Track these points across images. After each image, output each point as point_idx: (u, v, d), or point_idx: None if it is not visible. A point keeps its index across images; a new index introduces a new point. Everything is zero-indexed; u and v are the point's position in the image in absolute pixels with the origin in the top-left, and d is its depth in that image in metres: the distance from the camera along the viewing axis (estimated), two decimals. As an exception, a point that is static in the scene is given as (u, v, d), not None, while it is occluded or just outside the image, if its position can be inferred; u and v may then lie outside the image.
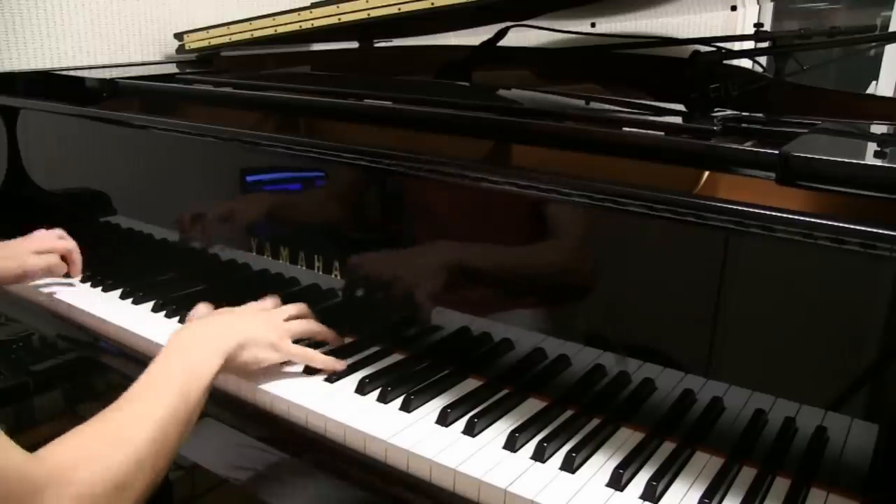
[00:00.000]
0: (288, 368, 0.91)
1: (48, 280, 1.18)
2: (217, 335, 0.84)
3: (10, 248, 1.12)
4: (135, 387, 0.74)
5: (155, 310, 1.08)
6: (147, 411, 0.72)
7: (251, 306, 0.96)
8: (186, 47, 1.61)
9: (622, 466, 0.71)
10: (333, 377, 0.88)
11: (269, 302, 0.97)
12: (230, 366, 0.83)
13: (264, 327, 0.88)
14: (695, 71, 1.12)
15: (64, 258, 1.16)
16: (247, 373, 0.87)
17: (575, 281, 0.83)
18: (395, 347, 0.96)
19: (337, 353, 0.95)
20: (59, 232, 1.18)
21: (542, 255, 0.84)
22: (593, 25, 1.64)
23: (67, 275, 1.18)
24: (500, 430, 0.78)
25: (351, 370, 0.90)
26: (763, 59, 1.38)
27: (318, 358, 0.90)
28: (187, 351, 0.80)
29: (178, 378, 0.76)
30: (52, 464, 0.63)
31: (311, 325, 0.94)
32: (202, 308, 0.97)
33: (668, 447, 0.75)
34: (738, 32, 1.68)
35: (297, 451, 0.82)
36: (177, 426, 0.73)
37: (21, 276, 1.12)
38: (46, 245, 1.14)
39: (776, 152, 0.67)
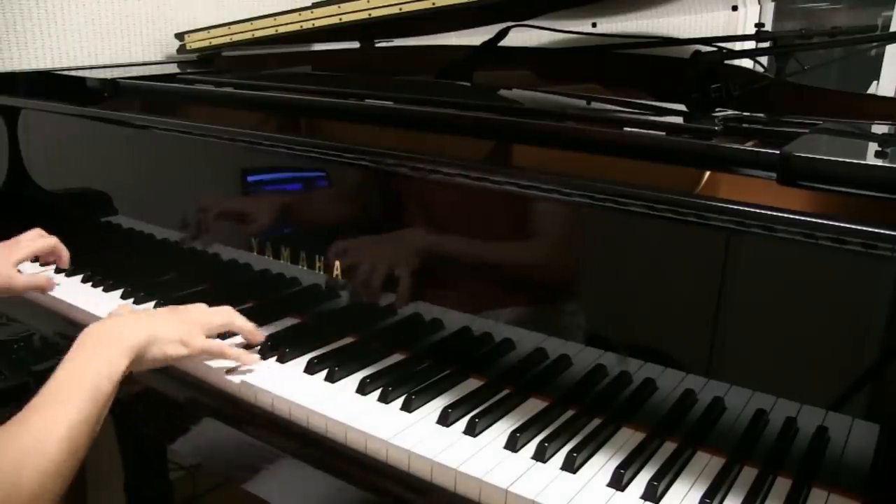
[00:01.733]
0: (288, 368, 0.91)
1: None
2: (124, 332, 0.82)
3: None
4: (43, 392, 0.73)
5: (156, 310, 1.08)
6: (56, 421, 0.70)
7: (168, 308, 0.94)
8: (187, 47, 1.61)
9: (623, 466, 0.71)
10: (335, 376, 0.88)
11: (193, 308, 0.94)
12: (139, 362, 0.82)
13: (174, 323, 0.87)
14: (696, 71, 1.12)
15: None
16: (159, 366, 0.86)
17: (576, 281, 0.83)
18: (396, 347, 0.96)
19: (342, 354, 0.95)
20: (38, 231, 1.17)
21: (544, 255, 0.84)
22: (594, 25, 1.64)
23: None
24: (501, 430, 0.78)
25: (352, 370, 0.90)
26: (764, 59, 1.38)
27: (230, 352, 0.89)
28: (95, 351, 0.79)
29: (86, 382, 0.75)
30: None
31: (228, 318, 0.93)
32: (119, 308, 0.96)
33: (669, 447, 0.76)
34: (739, 32, 1.68)
35: (297, 451, 0.82)
36: (87, 430, 0.72)
37: (5, 292, 1.10)
38: (28, 252, 1.13)
39: (777, 152, 0.67)
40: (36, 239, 1.16)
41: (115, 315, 0.90)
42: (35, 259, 1.22)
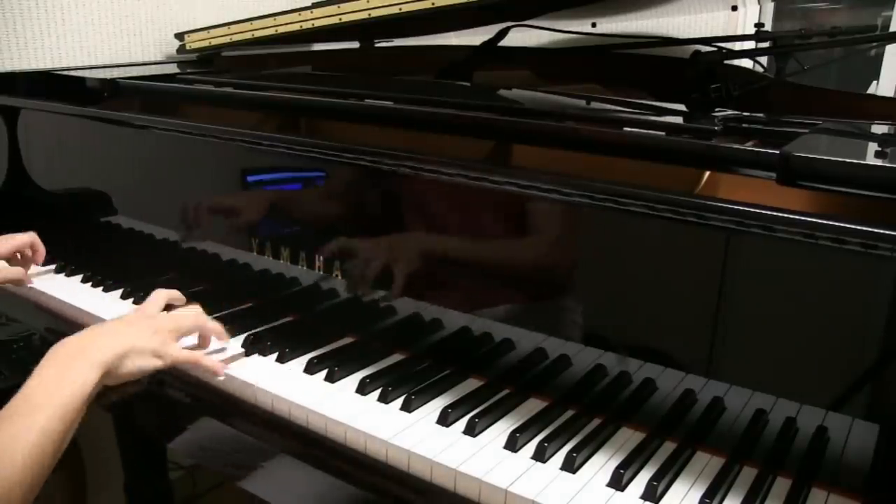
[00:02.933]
0: (288, 368, 0.91)
1: (50, 279, 1.18)
2: (94, 347, 0.80)
3: None
4: (9, 406, 0.73)
5: (156, 310, 1.08)
6: (20, 435, 0.70)
7: (137, 312, 0.92)
8: (187, 47, 1.61)
9: (623, 466, 0.71)
10: (335, 376, 0.88)
11: (153, 306, 0.93)
12: (112, 376, 0.81)
13: (146, 334, 0.85)
14: (695, 71, 1.12)
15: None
16: (134, 379, 0.84)
17: (576, 280, 0.83)
18: (396, 347, 0.96)
19: (342, 354, 0.95)
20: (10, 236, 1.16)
21: (544, 255, 0.84)
22: (594, 25, 1.64)
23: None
24: (500, 430, 0.78)
25: (352, 370, 0.90)
26: (764, 59, 1.38)
27: (203, 361, 0.89)
28: (63, 366, 0.78)
29: (53, 397, 0.74)
30: None
31: (198, 321, 0.92)
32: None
33: (668, 447, 0.76)
34: (739, 32, 1.68)
35: (297, 451, 0.82)
36: (52, 446, 0.72)
37: None
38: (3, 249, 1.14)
39: (777, 152, 0.67)
40: (9, 239, 1.16)
41: (84, 330, 0.86)
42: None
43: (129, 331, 0.85)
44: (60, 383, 0.75)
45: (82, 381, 0.77)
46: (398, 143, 0.91)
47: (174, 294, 0.96)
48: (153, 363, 0.84)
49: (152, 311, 0.91)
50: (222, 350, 0.96)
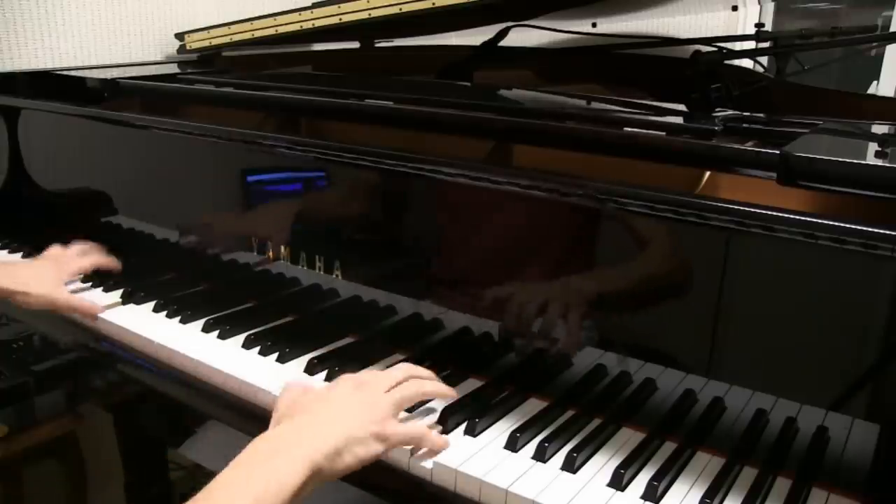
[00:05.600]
0: (288, 368, 0.91)
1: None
2: (307, 442, 0.69)
3: (39, 272, 1.09)
4: (206, 491, 0.67)
5: (156, 310, 1.08)
6: None
7: (346, 381, 0.78)
8: (188, 47, 1.61)
9: (623, 466, 0.71)
10: (335, 376, 0.88)
11: (387, 380, 0.78)
12: (327, 474, 0.69)
13: (363, 415, 0.72)
14: (696, 71, 1.11)
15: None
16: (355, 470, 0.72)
17: (576, 281, 0.82)
18: (396, 349, 0.96)
19: (342, 354, 0.95)
20: (82, 247, 1.16)
21: (543, 255, 0.84)
22: (594, 25, 1.64)
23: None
24: (501, 430, 0.78)
25: (352, 371, 0.90)
26: (764, 59, 1.38)
27: (428, 438, 0.75)
28: (263, 459, 0.68)
29: (252, 491, 0.65)
30: None
31: (420, 387, 0.79)
32: (292, 387, 0.78)
33: (669, 447, 0.76)
34: (739, 32, 1.67)
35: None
36: None
37: (48, 306, 1.07)
38: (77, 270, 1.13)
39: (777, 152, 0.67)
40: (83, 256, 1.15)
41: (293, 415, 0.74)
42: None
43: (345, 418, 0.72)
44: (253, 480, 0.66)
45: (287, 480, 0.66)
46: (398, 144, 0.91)
47: (421, 387, 0.79)
48: (375, 449, 0.72)
49: (382, 385, 0.77)
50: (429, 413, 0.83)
